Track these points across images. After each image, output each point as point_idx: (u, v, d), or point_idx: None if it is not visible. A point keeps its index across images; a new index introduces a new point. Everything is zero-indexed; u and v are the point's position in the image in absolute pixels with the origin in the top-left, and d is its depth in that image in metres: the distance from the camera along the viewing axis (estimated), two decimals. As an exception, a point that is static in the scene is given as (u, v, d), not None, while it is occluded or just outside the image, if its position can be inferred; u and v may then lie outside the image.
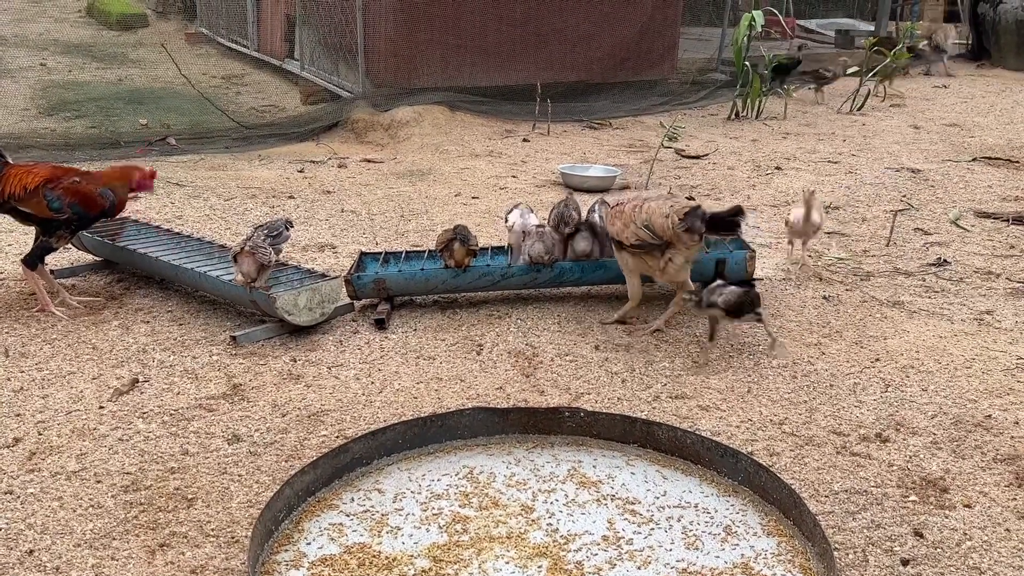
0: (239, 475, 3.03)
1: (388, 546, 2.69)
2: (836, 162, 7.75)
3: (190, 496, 2.90)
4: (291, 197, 6.41)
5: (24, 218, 4.29)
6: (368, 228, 5.73)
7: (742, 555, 2.67)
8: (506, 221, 4.66)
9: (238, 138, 8.48)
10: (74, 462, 3.08)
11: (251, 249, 4.06)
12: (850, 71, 10.40)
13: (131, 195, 4.49)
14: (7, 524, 2.74)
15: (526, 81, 9.41)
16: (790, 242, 5.15)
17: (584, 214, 4.71)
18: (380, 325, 4.22)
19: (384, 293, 4.38)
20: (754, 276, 4.52)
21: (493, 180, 7.06)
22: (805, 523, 2.70)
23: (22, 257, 4.33)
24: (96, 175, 4.35)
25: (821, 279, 4.90)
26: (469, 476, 3.07)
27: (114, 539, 2.69)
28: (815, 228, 4.90)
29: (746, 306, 3.90)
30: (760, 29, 9.86)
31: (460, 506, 2.89)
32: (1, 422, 3.34)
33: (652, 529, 2.79)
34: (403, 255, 4.67)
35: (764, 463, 3.03)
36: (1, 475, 3.00)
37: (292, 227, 4.35)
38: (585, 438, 3.29)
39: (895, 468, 3.13)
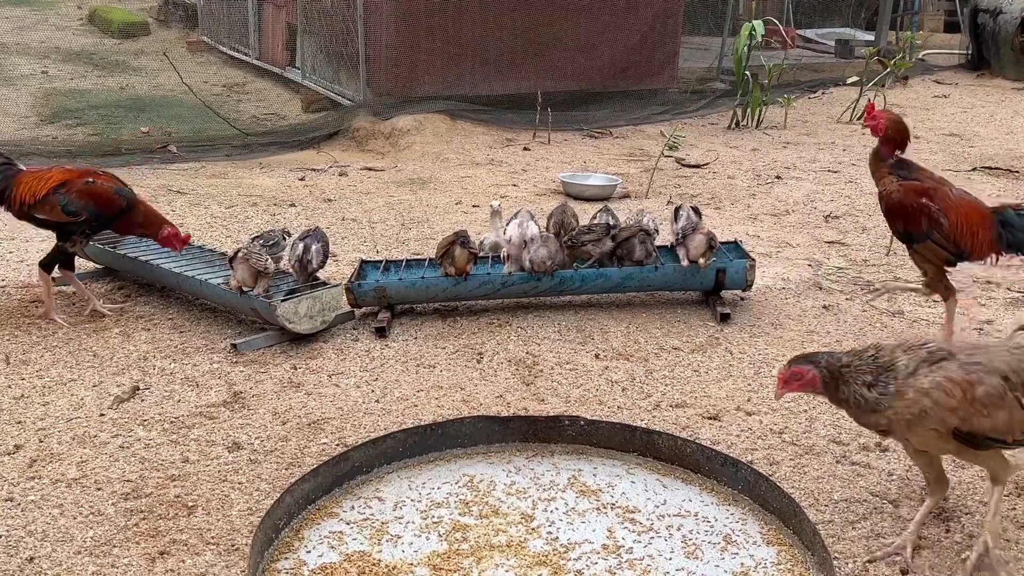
0: (239, 483, 3.04)
1: (388, 554, 2.69)
2: (836, 171, 7.76)
3: (190, 504, 2.91)
4: (292, 205, 6.42)
5: (42, 223, 4.26)
6: (369, 236, 5.74)
7: (742, 564, 2.67)
8: (504, 232, 4.63)
9: (239, 146, 8.48)
10: (75, 469, 3.09)
11: (244, 255, 4.08)
12: (850, 80, 10.41)
13: (155, 237, 4.39)
14: (8, 531, 2.74)
15: (527, 90, 9.41)
16: None
17: (584, 222, 4.72)
18: (380, 333, 4.22)
19: (385, 301, 4.38)
20: (753, 284, 4.54)
21: (494, 189, 7.07)
22: (805, 532, 2.71)
23: (39, 260, 4.32)
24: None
25: (821, 288, 4.90)
26: (469, 484, 3.07)
27: (114, 546, 2.69)
28: None
29: None
30: (760, 39, 9.86)
31: (460, 514, 2.90)
32: (2, 429, 3.34)
33: (652, 538, 2.79)
34: (404, 263, 4.67)
35: (764, 472, 3.03)
36: (2, 482, 3.00)
37: (289, 236, 4.36)
38: (585, 447, 3.29)
39: (895, 477, 3.13)
